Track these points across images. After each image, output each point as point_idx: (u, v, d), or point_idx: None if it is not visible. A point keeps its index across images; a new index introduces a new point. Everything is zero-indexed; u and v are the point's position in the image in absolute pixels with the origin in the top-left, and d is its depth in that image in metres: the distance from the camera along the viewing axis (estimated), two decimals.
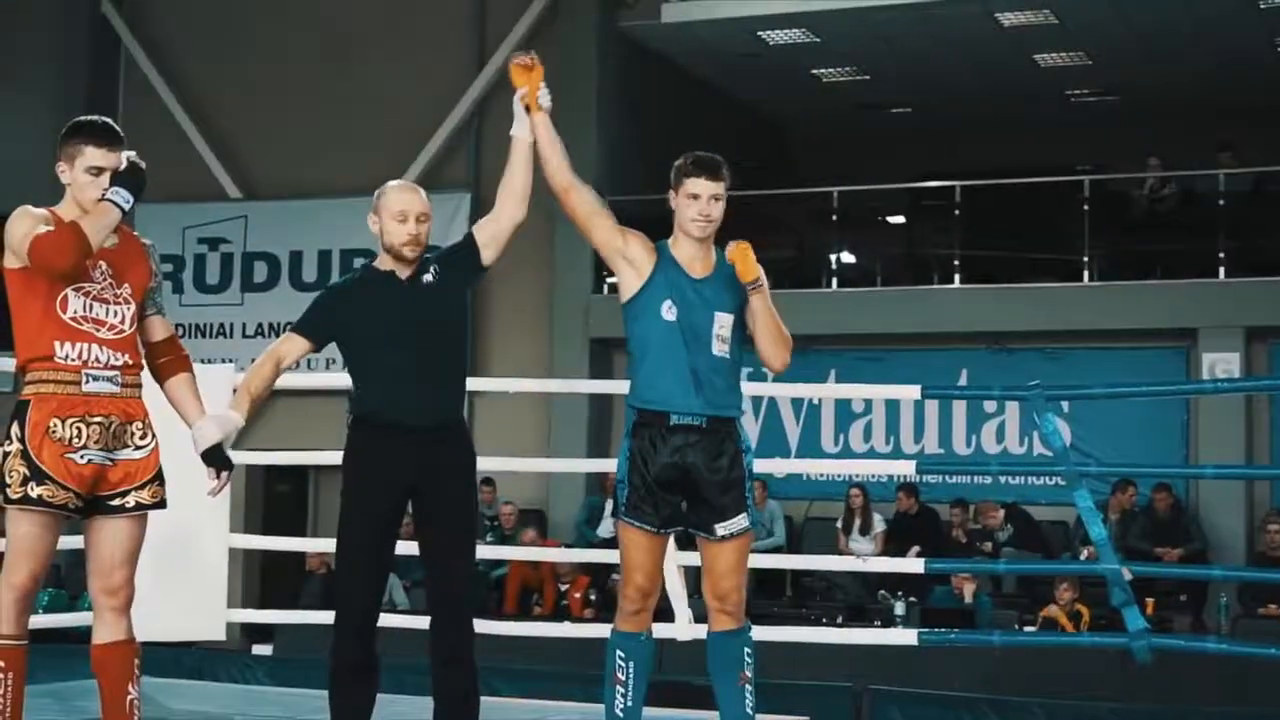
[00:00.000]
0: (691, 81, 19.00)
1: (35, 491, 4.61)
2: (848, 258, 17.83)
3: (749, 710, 5.21)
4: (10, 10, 20.26)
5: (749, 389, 18.77)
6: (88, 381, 4.68)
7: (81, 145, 4.83)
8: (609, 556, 13.46)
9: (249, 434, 11.67)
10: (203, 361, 6.38)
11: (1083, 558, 12.85)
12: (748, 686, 5.24)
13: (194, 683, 8.20)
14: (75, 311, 4.69)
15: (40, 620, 11.23)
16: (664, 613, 7.57)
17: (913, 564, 9.04)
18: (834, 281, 17.29)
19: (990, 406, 16.25)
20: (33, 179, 20.10)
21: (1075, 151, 19.41)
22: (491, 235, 5.62)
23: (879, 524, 14.90)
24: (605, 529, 15.47)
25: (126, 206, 4.77)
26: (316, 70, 18.91)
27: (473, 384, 17.96)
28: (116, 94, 20.25)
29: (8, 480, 4.63)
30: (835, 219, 17.74)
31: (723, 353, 5.22)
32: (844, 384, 15.01)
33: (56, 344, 4.66)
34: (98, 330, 4.72)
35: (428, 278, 5.23)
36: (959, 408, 16.36)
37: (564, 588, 14.25)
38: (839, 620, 13.38)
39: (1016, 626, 12.43)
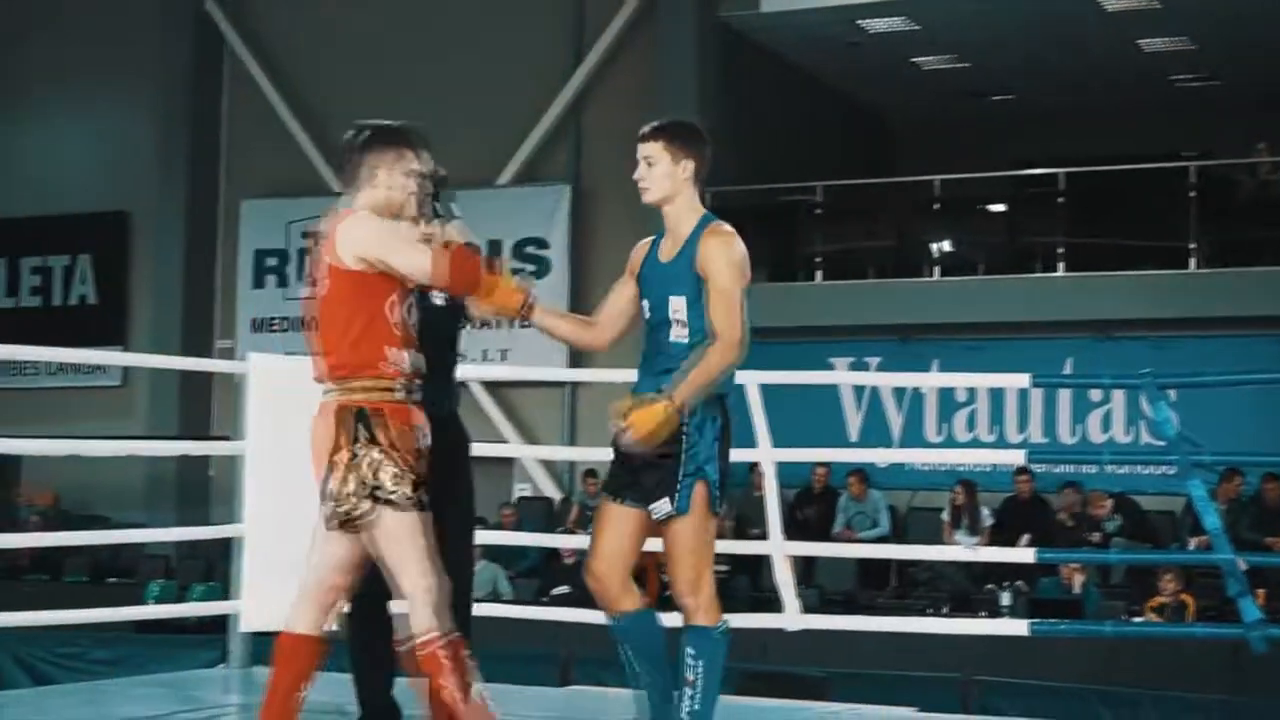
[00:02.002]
0: (791, 71, 18.93)
1: (413, 492, 4.61)
2: (949, 247, 17.72)
3: (684, 715, 4.88)
4: (113, 11, 20.53)
5: (851, 378, 18.67)
6: (399, 391, 4.67)
7: (404, 149, 4.87)
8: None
9: None
10: (309, 355, 6.45)
11: (1191, 547, 12.70)
12: (688, 690, 4.88)
13: None
14: (400, 318, 4.70)
15: (151, 611, 11.43)
16: (770, 603, 7.56)
17: (1023, 554, 8.97)
18: (935, 271, 17.18)
19: (1096, 395, 16.08)
20: (140, 177, 20.53)
21: (1180, 137, 19.16)
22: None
23: (986, 518, 14.78)
24: None
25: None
26: (417, 64, 19.02)
27: (574, 374, 18.06)
28: (220, 90, 20.49)
29: (387, 484, 4.58)
30: (936, 208, 17.63)
31: (680, 337, 4.99)
32: (949, 373, 14.92)
33: (387, 349, 4.66)
34: (407, 338, 4.74)
35: (438, 298, 5.49)
36: (1064, 397, 16.21)
37: (666, 578, 14.25)
38: (944, 611, 13.30)
39: (1124, 617, 12.30)
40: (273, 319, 19.51)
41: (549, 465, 18.02)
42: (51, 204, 20.62)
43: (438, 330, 5.51)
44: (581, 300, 18.16)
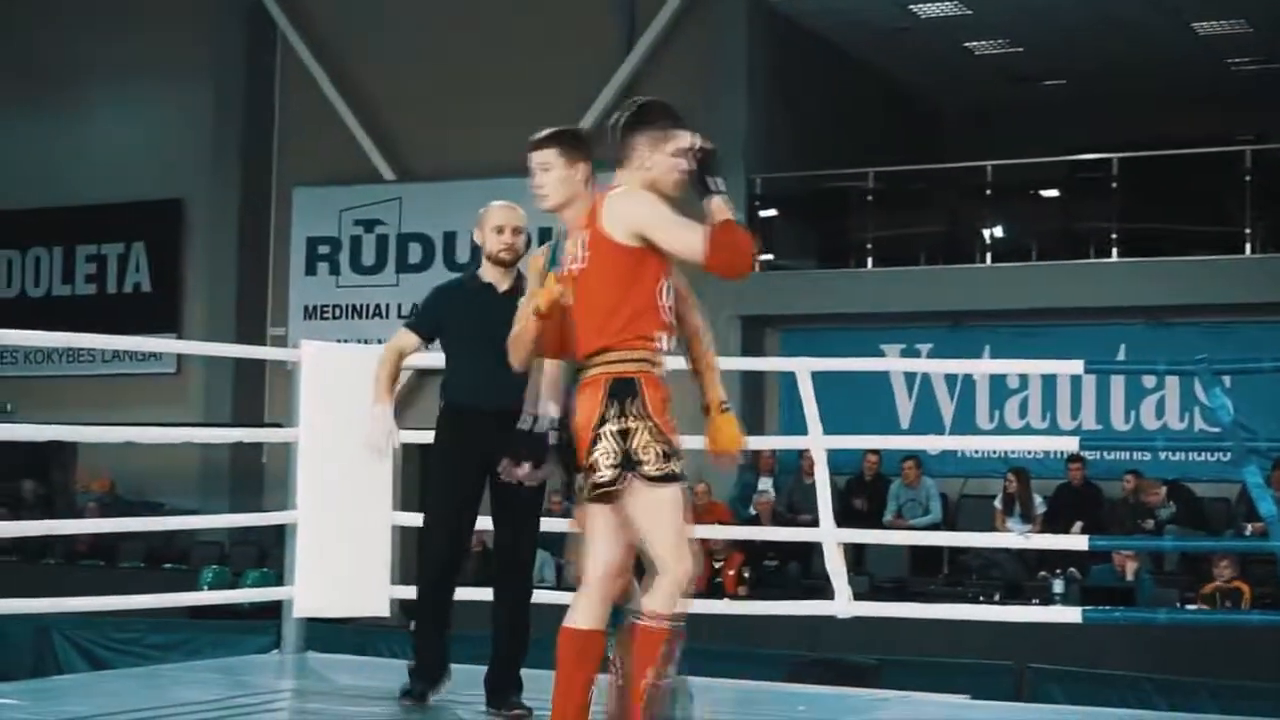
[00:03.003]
0: (841, 57, 18.88)
1: (677, 466, 4.57)
2: (1001, 233, 17.64)
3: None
4: (167, 1, 20.64)
5: (903, 364, 18.65)
6: (657, 366, 4.68)
7: (668, 126, 4.79)
8: (763, 534, 13.51)
9: (407, 414, 11.82)
10: (361, 341, 6.50)
11: (1247, 534, 12.62)
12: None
13: (357, 658, 8.33)
14: (665, 298, 4.72)
15: (207, 597, 11.50)
16: (821, 590, 7.55)
17: (1077, 541, 8.92)
18: (987, 257, 17.11)
19: (1149, 382, 15.99)
20: (194, 165, 20.65)
21: (1236, 121, 19.00)
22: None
23: (1038, 505, 14.72)
24: (753, 509, 15.50)
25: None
26: (469, 53, 19.04)
27: None
28: (273, 79, 20.58)
29: (643, 457, 4.53)
30: (988, 193, 17.55)
31: None
32: (1002, 359, 14.86)
33: (650, 327, 4.67)
34: (668, 317, 4.76)
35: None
36: (1117, 383, 16.12)
37: (718, 565, 14.26)
38: (996, 598, 13.26)
39: (1178, 605, 12.23)
40: (325, 306, 19.59)
41: None
42: (106, 192, 20.76)
43: (503, 339, 5.56)
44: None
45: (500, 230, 6.09)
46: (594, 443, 4.56)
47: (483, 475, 5.89)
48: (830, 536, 7.12)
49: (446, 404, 6.11)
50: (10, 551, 16.68)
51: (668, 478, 4.53)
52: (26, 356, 20.49)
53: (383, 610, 7.60)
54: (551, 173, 5.14)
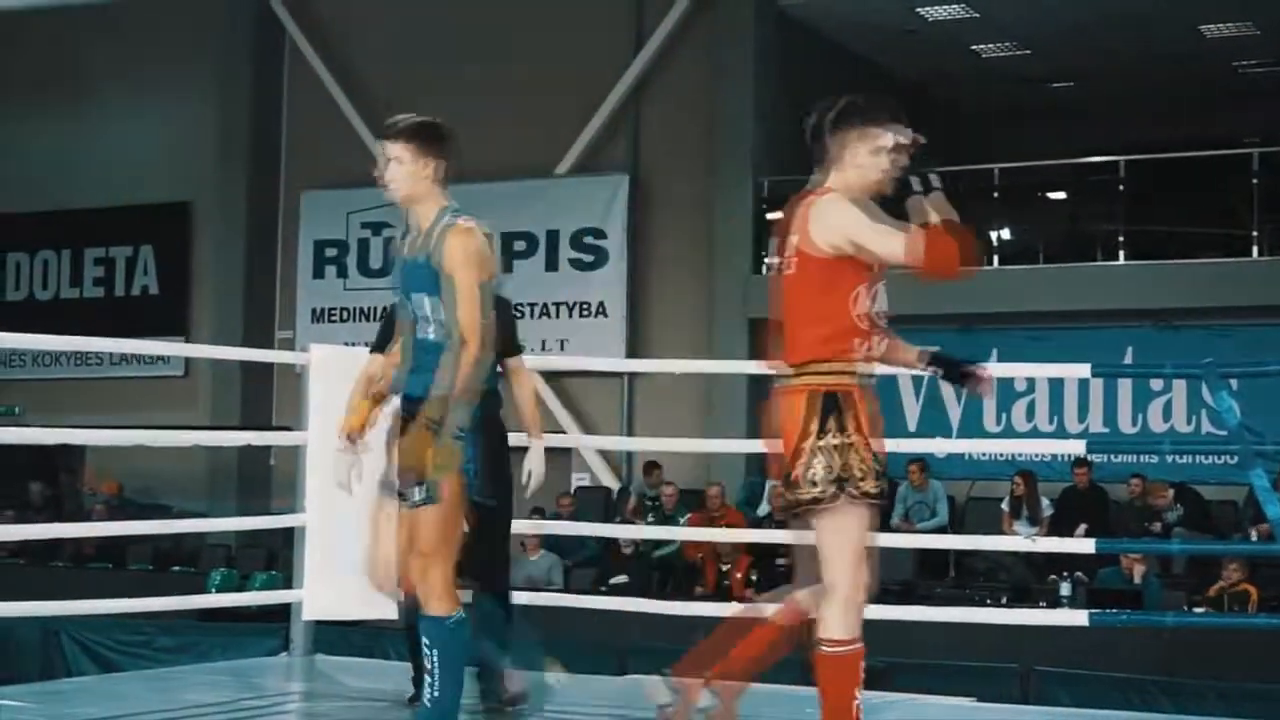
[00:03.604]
0: (849, 59, 18.88)
1: (877, 486, 4.52)
2: (1008, 235, 17.64)
3: (425, 702, 4.92)
4: (176, 5, 20.67)
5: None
6: (859, 377, 4.60)
7: (873, 124, 4.77)
8: (772, 537, 13.49)
9: None
10: (368, 344, 6.55)
11: (1253, 538, 12.61)
12: (428, 679, 4.89)
13: (365, 660, 8.35)
14: (864, 309, 4.61)
15: (215, 600, 11.51)
16: None
17: (1084, 544, 8.92)
18: (995, 259, 17.12)
19: (1157, 385, 15.98)
20: (202, 169, 20.67)
21: (1243, 124, 18.99)
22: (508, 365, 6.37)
23: (1046, 508, 14.71)
24: (766, 508, 15.49)
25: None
26: (476, 53, 19.07)
27: (632, 365, 18.08)
28: (281, 83, 20.61)
29: (854, 474, 4.48)
30: (996, 196, 17.55)
31: (429, 334, 4.99)
32: (1009, 363, 14.83)
33: (851, 338, 4.57)
34: (871, 326, 4.65)
35: None
36: (1125, 386, 16.10)
37: (725, 568, 14.26)
38: (1003, 601, 13.25)
39: (1185, 608, 12.23)
40: (332, 309, 19.63)
41: (607, 455, 18.05)
42: (114, 195, 20.81)
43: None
44: (639, 291, 18.23)
45: None
46: (804, 456, 4.50)
47: None
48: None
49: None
50: (18, 554, 16.70)
51: (870, 496, 4.50)
52: (35, 359, 20.53)
53: (391, 613, 7.61)
54: (400, 166, 5.05)
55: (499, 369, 6.10)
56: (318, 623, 7.46)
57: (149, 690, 6.85)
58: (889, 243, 4.52)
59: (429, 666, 4.86)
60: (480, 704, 6.10)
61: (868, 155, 4.70)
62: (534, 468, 6.35)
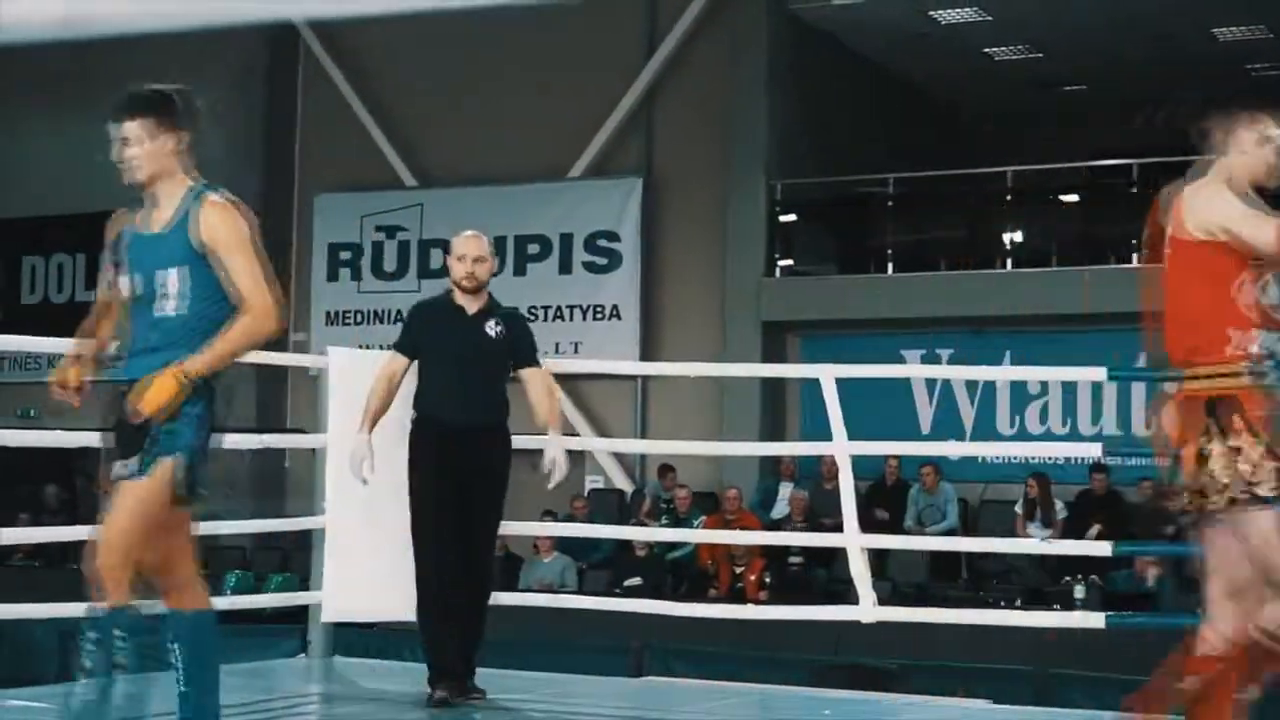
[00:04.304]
0: (862, 63, 18.89)
1: (1273, 490, 4.33)
2: (1021, 238, 17.64)
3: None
4: None
5: (926, 371, 18.52)
6: (1245, 375, 4.42)
7: (1263, 116, 4.60)
8: (788, 539, 13.52)
9: None
10: (383, 347, 6.64)
11: None
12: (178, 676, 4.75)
13: (384, 662, 8.37)
14: (1251, 299, 4.46)
15: (233, 601, 11.49)
16: (844, 595, 7.58)
17: (1099, 547, 8.91)
18: (1008, 262, 17.12)
19: (1173, 388, 15.95)
20: (217, 172, 20.63)
21: None
22: (523, 375, 6.58)
23: (1060, 511, 14.70)
24: (779, 511, 15.52)
25: None
26: (489, 58, 19.10)
27: (645, 368, 18.04)
28: (295, 87, 20.65)
29: (1257, 478, 4.32)
30: (1009, 199, 17.56)
31: (171, 311, 4.67)
32: (1025, 367, 14.86)
33: (1231, 331, 4.42)
34: (1263, 318, 4.48)
35: (490, 330, 6.47)
36: (1139, 389, 16.09)
37: (739, 570, 14.29)
38: (1017, 603, 13.25)
39: (1199, 611, 12.17)
40: (347, 312, 19.67)
41: (620, 457, 18.07)
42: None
43: (497, 350, 6.42)
44: (653, 293, 18.25)
45: (462, 259, 6.53)
46: (1176, 464, 4.45)
47: (454, 481, 6.36)
48: (854, 542, 7.14)
49: (418, 416, 6.52)
50: (34, 556, 16.73)
51: (1270, 498, 4.35)
52: (50, 362, 20.53)
53: (409, 615, 7.65)
54: (136, 147, 4.79)
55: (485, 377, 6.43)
56: (335, 625, 7.49)
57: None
58: (1261, 230, 4.41)
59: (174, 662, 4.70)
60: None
61: (1253, 144, 4.61)
62: (557, 456, 6.41)
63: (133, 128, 4.81)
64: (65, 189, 21.12)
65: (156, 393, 4.55)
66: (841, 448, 7.11)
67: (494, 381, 6.51)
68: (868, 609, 7.00)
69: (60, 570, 16.48)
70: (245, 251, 4.65)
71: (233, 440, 15.03)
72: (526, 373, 6.54)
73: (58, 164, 21.34)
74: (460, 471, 6.37)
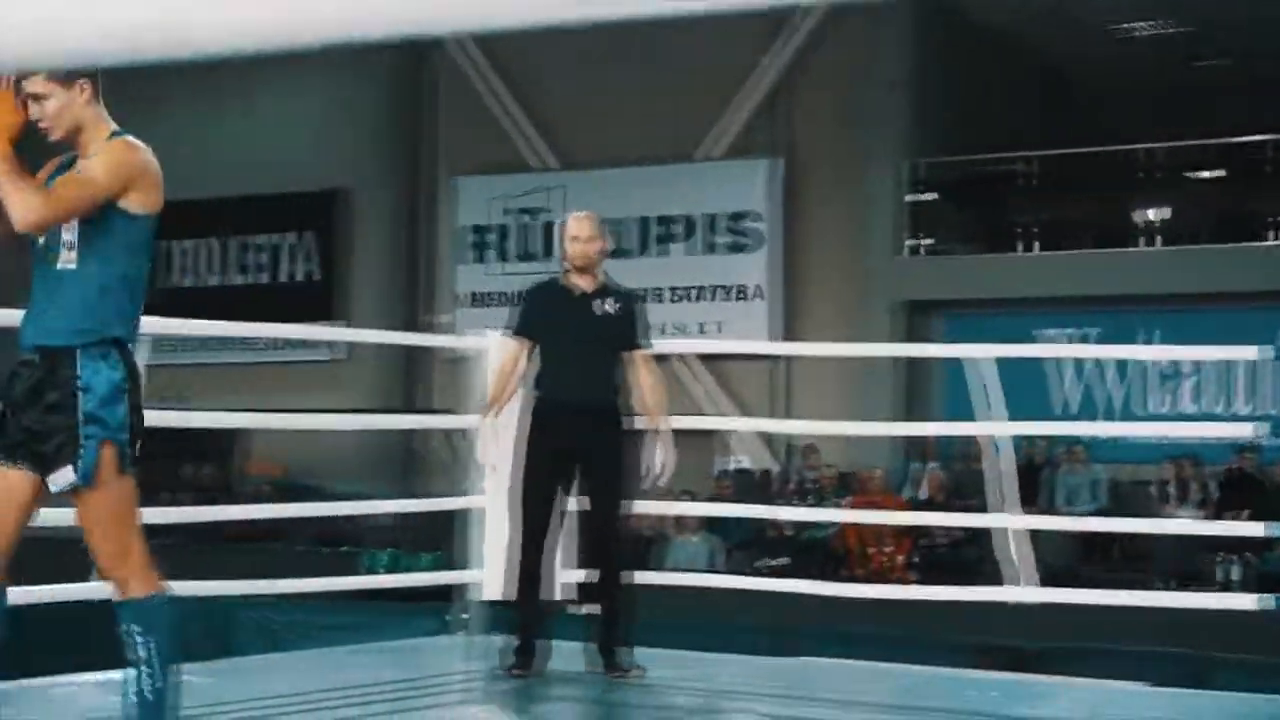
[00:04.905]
0: (1000, 40, 18.72)
1: None
2: (1163, 215, 17.42)
3: (146, 694, 4.30)
4: None
5: (1079, 351, 18.18)
6: None
7: None
8: (940, 520, 13.44)
9: None
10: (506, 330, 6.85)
11: None
12: (144, 669, 4.28)
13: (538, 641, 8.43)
14: None
15: (391, 580, 11.65)
16: (991, 575, 7.54)
17: (1251, 528, 8.79)
18: (1157, 240, 16.90)
19: None
20: (360, 157, 20.97)
21: None
22: (636, 357, 6.68)
23: (1210, 490, 14.50)
24: (924, 491, 15.45)
25: None
26: (625, 39, 19.14)
27: (786, 348, 17.99)
28: (437, 71, 20.85)
29: None
30: (1147, 175, 17.34)
31: (69, 263, 4.26)
32: (1175, 345, 14.67)
33: None
34: None
35: (604, 308, 6.60)
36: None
37: (886, 550, 14.24)
38: (1169, 585, 13.10)
39: None
40: (489, 293, 19.85)
41: (763, 437, 18.08)
42: (278, 183, 21.18)
43: (605, 329, 6.52)
44: (793, 274, 18.24)
45: (574, 239, 6.67)
46: None
47: (570, 462, 6.57)
48: (1011, 522, 7.11)
49: (540, 398, 6.67)
50: (188, 535, 17.06)
51: None
52: (201, 344, 20.94)
53: (553, 594, 7.73)
54: (50, 101, 4.28)
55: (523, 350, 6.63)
56: (485, 602, 7.58)
57: (326, 668, 7.00)
58: None
59: (144, 654, 4.29)
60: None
61: None
62: (665, 457, 6.57)
63: (39, 82, 4.28)
64: (214, 174, 21.53)
65: None
66: (999, 428, 7.09)
67: (608, 361, 6.62)
68: (1026, 590, 6.97)
69: (213, 548, 16.83)
70: (90, 173, 4.22)
71: (391, 422, 15.26)
72: (634, 355, 6.64)
73: (206, 150, 21.74)
74: (575, 452, 6.55)
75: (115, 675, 6.53)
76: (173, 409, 8.22)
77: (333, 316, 20.53)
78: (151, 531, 6.21)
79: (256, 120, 21.67)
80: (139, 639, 4.30)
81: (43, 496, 4.32)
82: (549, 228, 19.51)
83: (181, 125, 22.10)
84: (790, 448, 17.62)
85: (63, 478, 4.21)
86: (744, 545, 15.17)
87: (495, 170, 19.87)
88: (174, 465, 19.03)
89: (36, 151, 4.44)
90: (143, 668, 4.30)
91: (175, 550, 15.30)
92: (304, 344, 20.27)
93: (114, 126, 4.36)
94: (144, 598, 4.32)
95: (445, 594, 8.00)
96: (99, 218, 4.22)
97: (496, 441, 6.69)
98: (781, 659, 7.99)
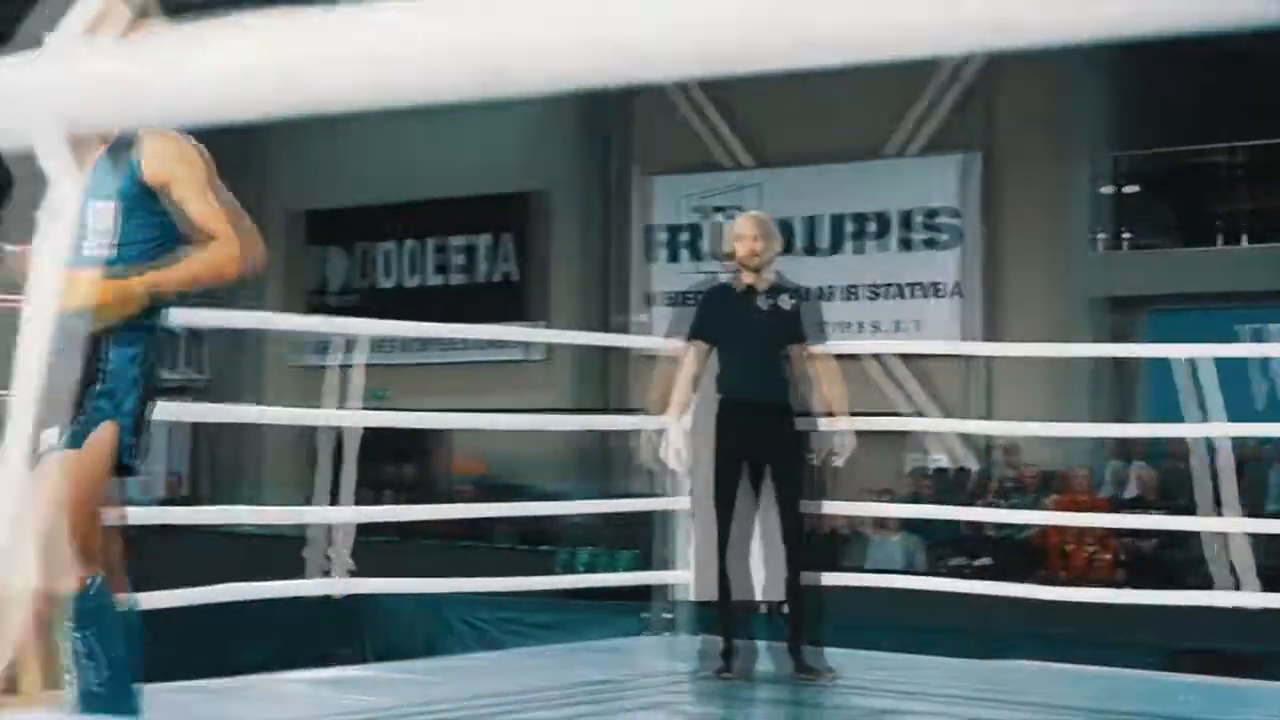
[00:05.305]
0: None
1: None
2: None
3: (94, 688, 3.98)
4: None
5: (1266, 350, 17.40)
6: None
7: None
8: (1149, 522, 13.19)
9: None
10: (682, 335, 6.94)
11: None
12: (87, 664, 3.99)
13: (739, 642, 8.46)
14: None
15: (600, 579, 11.75)
16: (1200, 578, 7.40)
17: None
18: None
19: None
20: (557, 158, 21.16)
21: None
22: (808, 352, 6.70)
23: None
24: (1125, 491, 15.22)
25: None
26: None
27: (987, 349, 17.72)
28: None
29: None
30: None
31: (100, 250, 4.03)
32: None
33: None
34: None
35: (778, 306, 6.66)
36: None
37: (1091, 550, 14.05)
38: None
39: None
40: (686, 293, 19.92)
41: (961, 435, 17.92)
42: (477, 185, 21.48)
43: (777, 327, 6.58)
44: (991, 270, 18.06)
45: (741, 239, 6.72)
46: None
47: (754, 461, 6.62)
48: (1232, 526, 7.00)
49: (723, 399, 6.71)
50: (395, 532, 17.37)
51: None
52: (403, 345, 21.33)
53: (756, 594, 7.76)
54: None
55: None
56: (696, 603, 7.63)
57: (531, 667, 7.10)
58: None
59: (85, 649, 3.99)
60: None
61: None
62: (843, 452, 6.64)
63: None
64: (415, 177, 21.92)
65: (106, 288, 3.96)
66: (1219, 429, 6.99)
67: (782, 358, 6.68)
68: (1253, 595, 6.85)
69: (420, 546, 17.11)
70: (202, 185, 4.07)
71: (595, 422, 15.40)
72: (806, 350, 6.69)
73: (409, 154, 22.14)
74: (757, 451, 6.62)
75: (327, 674, 6.75)
76: (383, 409, 8.42)
77: (529, 316, 20.77)
78: (361, 530, 6.38)
79: (453, 124, 21.98)
80: (78, 634, 4.00)
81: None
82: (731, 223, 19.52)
83: (381, 129, 22.56)
84: (990, 446, 17.43)
85: (51, 439, 3.78)
86: (945, 545, 15.05)
87: (688, 169, 19.94)
88: (376, 464, 19.36)
89: None
90: (84, 660, 3.99)
91: (379, 548, 15.62)
92: (501, 343, 20.52)
93: None
94: (78, 590, 4.00)
95: (643, 592, 8.08)
96: (134, 206, 4.07)
97: (684, 444, 6.78)
98: (978, 661, 7.93)
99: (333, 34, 0.93)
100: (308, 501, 6.59)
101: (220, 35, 0.98)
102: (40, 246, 0.97)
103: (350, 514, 6.41)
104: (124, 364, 4.08)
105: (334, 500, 6.38)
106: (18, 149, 1.07)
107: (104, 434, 4.03)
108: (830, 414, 6.69)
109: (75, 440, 3.95)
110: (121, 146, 4.07)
